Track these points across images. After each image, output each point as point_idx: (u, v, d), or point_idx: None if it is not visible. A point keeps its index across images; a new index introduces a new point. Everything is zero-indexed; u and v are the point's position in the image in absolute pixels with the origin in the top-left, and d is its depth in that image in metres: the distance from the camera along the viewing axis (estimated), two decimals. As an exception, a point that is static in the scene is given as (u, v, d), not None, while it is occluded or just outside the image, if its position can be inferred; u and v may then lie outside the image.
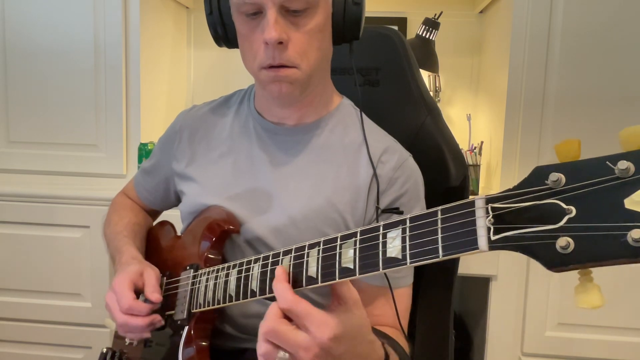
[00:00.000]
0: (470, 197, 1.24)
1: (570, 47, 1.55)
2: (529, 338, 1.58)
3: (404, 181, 0.92)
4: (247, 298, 0.72)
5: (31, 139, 1.82)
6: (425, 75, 1.91)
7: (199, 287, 0.85)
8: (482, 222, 0.47)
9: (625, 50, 1.53)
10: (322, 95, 0.95)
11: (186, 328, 0.85)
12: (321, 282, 0.61)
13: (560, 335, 1.57)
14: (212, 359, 0.85)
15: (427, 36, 1.89)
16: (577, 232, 0.41)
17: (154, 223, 1.14)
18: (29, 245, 1.71)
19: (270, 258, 0.70)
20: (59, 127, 1.80)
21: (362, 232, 0.59)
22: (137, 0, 1.75)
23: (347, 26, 0.89)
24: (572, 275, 0.43)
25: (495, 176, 1.73)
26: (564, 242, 0.41)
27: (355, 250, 0.58)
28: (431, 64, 1.92)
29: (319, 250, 0.62)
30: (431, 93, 1.48)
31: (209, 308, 0.81)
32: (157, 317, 0.85)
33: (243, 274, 0.74)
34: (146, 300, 0.84)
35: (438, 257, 0.50)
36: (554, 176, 0.43)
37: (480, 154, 1.79)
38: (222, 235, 0.90)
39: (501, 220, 0.46)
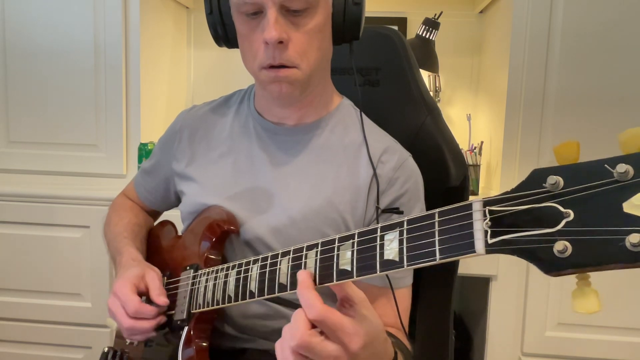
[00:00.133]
0: (471, 197, 1.24)
1: (570, 47, 1.55)
2: (529, 338, 1.58)
3: (404, 181, 0.92)
4: (246, 299, 0.72)
5: (31, 139, 1.82)
6: (425, 75, 1.91)
7: (198, 288, 0.85)
8: (479, 225, 0.46)
9: (625, 51, 1.53)
10: (322, 95, 0.95)
11: (186, 328, 0.85)
12: (319, 284, 0.61)
13: (560, 335, 1.57)
14: (211, 359, 0.85)
15: (427, 36, 1.89)
16: (575, 236, 0.41)
17: (155, 223, 1.14)
18: (29, 245, 1.71)
19: (269, 259, 0.69)
20: (59, 127, 1.80)
21: (360, 234, 0.59)
22: (137, 0, 1.74)
23: (347, 26, 0.89)
24: (572, 276, 0.43)
25: (495, 176, 1.73)
26: (561, 246, 0.41)
27: (353, 252, 0.58)
28: (431, 64, 1.92)
29: (317, 251, 0.62)
30: (431, 93, 1.48)
31: (208, 308, 0.81)
32: (163, 319, 0.85)
33: (242, 275, 0.74)
34: (151, 303, 0.84)
35: (435, 260, 0.50)
36: (552, 179, 0.42)
37: (480, 154, 1.79)
38: (222, 235, 0.90)
39: (498, 224, 0.45)
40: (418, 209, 0.93)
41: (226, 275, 0.78)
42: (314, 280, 0.61)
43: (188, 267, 0.90)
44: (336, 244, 0.60)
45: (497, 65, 1.79)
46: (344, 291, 0.60)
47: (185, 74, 2.20)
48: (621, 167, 0.39)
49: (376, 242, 0.56)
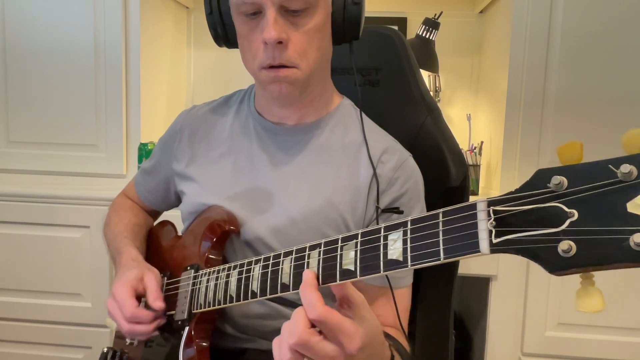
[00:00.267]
0: (471, 197, 1.24)
1: (570, 47, 1.55)
2: (529, 338, 1.58)
3: (404, 181, 0.92)
4: (247, 299, 0.72)
5: (31, 139, 1.82)
6: (425, 75, 1.91)
7: (199, 288, 0.85)
8: (484, 225, 0.46)
9: (625, 50, 1.53)
10: (322, 95, 0.95)
11: (187, 328, 0.85)
12: (322, 284, 0.61)
13: (560, 335, 1.57)
14: (212, 359, 0.85)
15: (427, 36, 1.89)
16: (579, 236, 0.41)
17: (155, 223, 1.14)
18: (29, 245, 1.71)
19: (271, 259, 0.69)
20: (59, 127, 1.80)
21: (363, 234, 0.59)
22: (137, 0, 1.74)
23: (347, 26, 0.89)
24: (573, 276, 0.43)
25: (495, 176, 1.73)
26: (566, 246, 0.41)
27: (356, 252, 0.58)
28: (431, 64, 1.92)
29: (319, 251, 0.62)
30: (431, 93, 1.48)
31: (209, 309, 0.81)
32: (161, 321, 0.85)
33: (244, 275, 0.74)
34: (148, 307, 0.84)
35: (439, 259, 0.50)
36: (556, 179, 0.42)
37: (480, 154, 1.79)
38: (222, 235, 0.90)
39: (503, 223, 0.46)
40: (418, 209, 0.93)
41: (228, 276, 0.78)
42: (317, 281, 0.61)
43: (189, 267, 0.90)
44: (339, 244, 0.60)
45: (497, 65, 1.79)
46: (344, 292, 0.61)
47: (185, 74, 2.20)
48: (625, 168, 0.39)
49: (380, 242, 0.56)
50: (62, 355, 1.74)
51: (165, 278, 0.94)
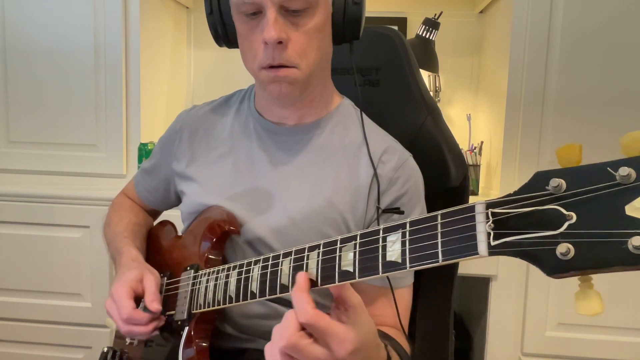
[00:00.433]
0: (471, 197, 1.24)
1: (570, 47, 1.55)
2: (529, 338, 1.58)
3: (405, 181, 0.92)
4: (247, 299, 0.72)
5: (31, 139, 1.82)
6: (425, 75, 1.91)
7: (199, 288, 0.85)
8: (482, 227, 0.47)
9: (625, 50, 1.53)
10: (322, 95, 0.95)
11: (186, 328, 0.85)
12: (320, 285, 0.61)
13: (560, 335, 1.57)
14: (212, 359, 0.85)
15: (427, 36, 1.89)
16: (577, 239, 0.41)
17: (155, 223, 1.14)
18: (29, 245, 1.71)
19: (270, 260, 0.69)
20: (59, 127, 1.80)
21: (362, 236, 0.59)
22: (137, 0, 1.74)
23: (347, 26, 0.88)
24: (572, 277, 0.43)
25: (495, 176, 1.73)
26: (564, 249, 0.41)
27: (355, 253, 0.58)
28: (431, 64, 1.92)
29: (318, 252, 0.62)
30: (431, 93, 1.48)
31: (209, 309, 0.81)
32: (160, 323, 0.85)
33: (243, 276, 0.74)
34: (146, 309, 0.84)
35: (438, 261, 0.50)
36: (554, 182, 0.42)
37: (480, 154, 1.79)
38: (222, 235, 0.90)
39: (501, 226, 0.46)
40: (418, 209, 0.93)
41: (227, 276, 0.78)
42: (316, 282, 0.61)
43: (188, 268, 0.90)
44: (338, 245, 0.60)
45: (497, 65, 1.79)
46: (340, 293, 0.61)
47: (185, 74, 2.20)
48: (624, 170, 0.39)
49: (378, 243, 0.56)
50: (62, 355, 1.74)
51: (165, 278, 0.94)
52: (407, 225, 0.54)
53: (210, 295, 0.81)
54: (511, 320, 1.58)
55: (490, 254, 0.46)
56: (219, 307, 0.79)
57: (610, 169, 0.40)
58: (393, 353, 0.74)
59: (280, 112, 0.95)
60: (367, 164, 0.91)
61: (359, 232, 0.59)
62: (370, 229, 0.58)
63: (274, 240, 0.90)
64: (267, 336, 0.92)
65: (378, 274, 0.55)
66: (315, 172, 0.92)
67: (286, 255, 0.67)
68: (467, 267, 1.52)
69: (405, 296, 0.93)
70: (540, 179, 0.44)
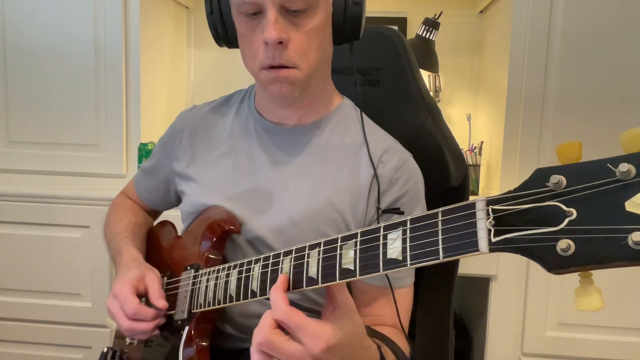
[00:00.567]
0: (471, 197, 1.24)
1: (570, 47, 1.55)
2: (529, 338, 1.58)
3: (405, 181, 0.92)
4: (247, 298, 0.72)
5: (31, 139, 1.82)
6: (425, 75, 1.91)
7: (199, 287, 0.85)
8: (483, 224, 0.47)
9: (625, 50, 1.53)
10: (322, 96, 0.95)
11: (186, 328, 0.85)
12: (321, 283, 0.61)
13: (560, 335, 1.57)
14: (212, 359, 0.85)
15: (427, 36, 1.89)
16: (577, 235, 0.41)
17: (155, 223, 1.14)
18: (29, 245, 1.71)
19: (271, 259, 0.70)
20: (59, 127, 1.80)
21: (363, 233, 0.59)
22: (137, 0, 1.74)
23: (347, 26, 0.89)
24: (573, 276, 0.43)
25: (495, 176, 1.73)
26: (564, 245, 0.41)
27: (355, 251, 0.58)
28: (431, 64, 1.92)
29: (319, 251, 0.62)
30: (431, 93, 1.48)
31: (209, 308, 0.81)
32: (161, 321, 0.85)
33: (244, 275, 0.74)
34: (150, 305, 0.84)
35: (438, 258, 0.50)
36: (554, 178, 0.43)
37: (480, 154, 1.79)
38: (222, 235, 0.90)
39: (502, 222, 0.46)
40: (419, 209, 0.93)
41: (227, 275, 0.78)
42: (317, 280, 0.62)
43: (188, 267, 0.90)
44: (339, 243, 0.61)
45: (497, 65, 1.79)
46: (333, 292, 0.62)
47: (185, 74, 2.20)
48: (623, 167, 0.39)
49: (379, 241, 0.56)
50: (62, 355, 1.74)
51: (165, 278, 0.94)
52: (408, 222, 0.54)
53: (210, 294, 0.81)
54: (511, 320, 1.58)
55: (491, 250, 0.46)
56: (219, 306, 0.79)
57: (610, 166, 0.40)
58: (388, 353, 0.75)
59: (281, 112, 0.95)
60: (367, 164, 0.91)
61: (359, 230, 0.59)
62: (370, 227, 0.58)
63: (274, 239, 0.90)
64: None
65: (379, 271, 0.55)
66: (315, 172, 0.92)
67: (287, 254, 0.67)
68: (467, 267, 1.52)
69: (405, 296, 0.93)
70: (540, 176, 0.44)
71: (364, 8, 0.88)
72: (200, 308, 0.83)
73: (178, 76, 2.14)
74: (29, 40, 1.77)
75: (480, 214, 0.47)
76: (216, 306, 0.80)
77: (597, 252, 0.40)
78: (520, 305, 1.57)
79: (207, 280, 0.83)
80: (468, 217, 0.48)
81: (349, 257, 0.59)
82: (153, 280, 0.87)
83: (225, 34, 0.91)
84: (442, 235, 0.50)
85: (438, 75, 2.01)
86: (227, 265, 0.80)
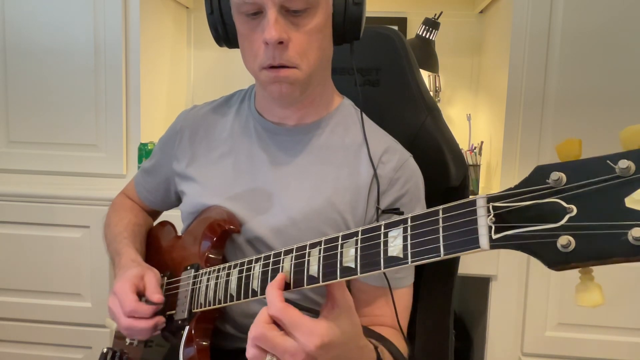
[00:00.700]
0: (471, 196, 1.24)
1: (570, 47, 1.55)
2: (529, 338, 1.58)
3: (405, 181, 0.92)
4: (248, 298, 0.73)
5: (31, 139, 1.82)
6: (425, 75, 1.91)
7: (199, 287, 0.85)
8: (484, 221, 0.47)
9: (625, 50, 1.53)
10: (322, 96, 0.95)
11: (187, 328, 0.85)
12: (322, 282, 0.61)
13: (560, 335, 1.57)
14: (212, 359, 0.85)
15: (427, 36, 1.89)
16: (578, 231, 0.41)
17: (155, 223, 1.14)
18: (29, 245, 1.71)
19: (272, 258, 0.70)
20: (59, 127, 1.80)
21: (364, 232, 0.59)
22: (137, 0, 1.75)
23: (347, 26, 0.89)
24: (572, 275, 0.43)
25: (495, 176, 1.73)
26: (565, 241, 0.41)
27: (356, 249, 0.58)
28: (431, 64, 1.92)
29: (320, 249, 0.63)
30: (431, 93, 1.48)
31: (209, 308, 0.81)
32: (161, 319, 0.85)
33: (244, 274, 0.74)
34: (148, 302, 0.84)
35: (439, 256, 0.50)
36: (555, 175, 0.43)
37: (480, 154, 1.79)
38: (222, 235, 0.90)
39: (502, 219, 0.46)
40: (419, 209, 0.93)
41: (228, 274, 0.78)
42: (318, 279, 0.62)
43: (189, 267, 0.90)
44: (339, 242, 0.61)
45: (497, 65, 1.79)
46: (332, 291, 0.62)
47: (185, 74, 2.20)
48: (623, 163, 0.40)
49: (380, 239, 0.57)
50: (62, 355, 1.74)
51: (165, 278, 0.94)
52: (409, 220, 0.54)
53: (210, 294, 0.81)
54: (511, 320, 1.58)
55: (492, 247, 0.46)
56: (219, 305, 0.79)
57: (610, 162, 0.40)
58: (385, 354, 0.75)
59: (281, 112, 0.95)
60: (367, 164, 0.91)
61: (360, 229, 0.59)
62: (371, 225, 0.59)
63: (274, 239, 0.90)
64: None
65: (380, 269, 0.55)
66: (315, 172, 0.92)
67: (287, 252, 0.67)
68: (467, 267, 1.52)
69: (405, 296, 0.93)
70: (540, 173, 0.45)
71: (364, 8, 0.88)
72: (201, 308, 0.83)
73: (178, 76, 2.14)
74: (29, 40, 1.77)
75: (481, 211, 0.47)
76: (217, 306, 0.80)
77: (597, 248, 0.40)
78: (520, 305, 1.57)
79: (208, 280, 0.83)
80: (469, 214, 0.49)
81: (349, 255, 0.59)
82: (151, 278, 0.87)
83: (225, 34, 0.91)
84: (442, 232, 0.50)
85: (438, 75, 2.01)
86: (227, 264, 0.80)
